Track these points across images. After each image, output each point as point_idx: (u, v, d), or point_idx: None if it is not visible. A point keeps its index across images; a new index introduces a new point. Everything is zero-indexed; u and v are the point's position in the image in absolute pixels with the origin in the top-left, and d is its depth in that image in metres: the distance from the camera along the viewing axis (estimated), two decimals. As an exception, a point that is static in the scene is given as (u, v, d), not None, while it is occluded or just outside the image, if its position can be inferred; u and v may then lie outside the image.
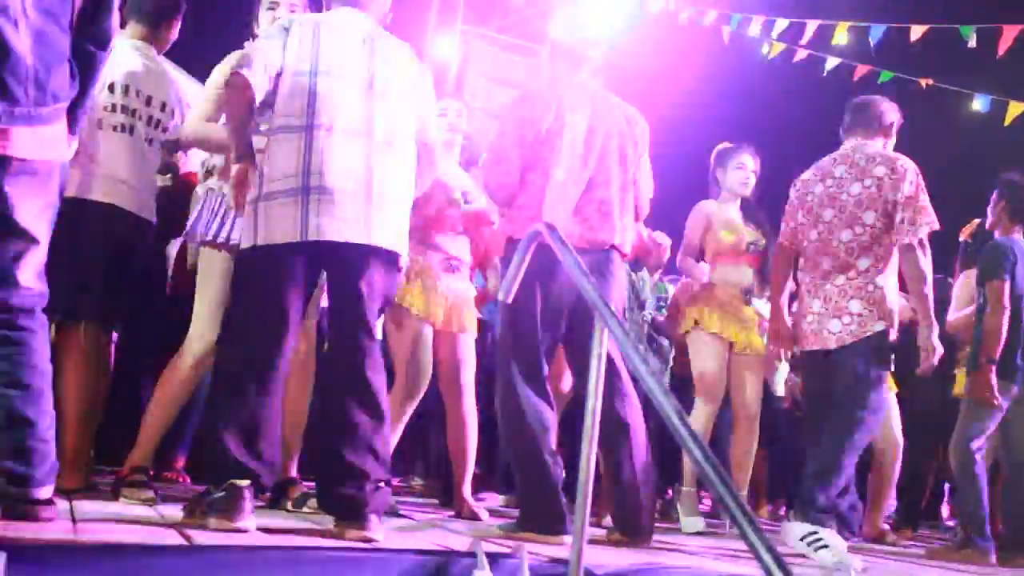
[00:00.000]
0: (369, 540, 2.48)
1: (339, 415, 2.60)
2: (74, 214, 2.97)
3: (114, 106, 3.25)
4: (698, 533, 4.14)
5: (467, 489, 3.82)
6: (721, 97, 10.13)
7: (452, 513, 3.84)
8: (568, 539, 2.95)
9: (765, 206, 4.56)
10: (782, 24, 7.43)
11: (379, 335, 3.41)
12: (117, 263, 3.26)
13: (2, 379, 2.16)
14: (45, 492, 2.22)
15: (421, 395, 3.78)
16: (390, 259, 2.73)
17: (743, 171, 4.51)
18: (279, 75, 2.68)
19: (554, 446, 3.17)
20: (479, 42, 10.43)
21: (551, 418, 3.17)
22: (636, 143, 3.42)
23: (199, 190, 3.40)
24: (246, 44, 3.44)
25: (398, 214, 2.74)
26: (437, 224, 3.79)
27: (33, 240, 2.17)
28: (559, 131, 3.27)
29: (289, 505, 3.29)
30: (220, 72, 3.25)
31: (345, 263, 2.68)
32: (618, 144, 3.36)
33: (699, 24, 7.90)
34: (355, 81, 2.72)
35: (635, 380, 3.20)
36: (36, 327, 2.22)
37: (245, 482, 2.49)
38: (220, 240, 3.15)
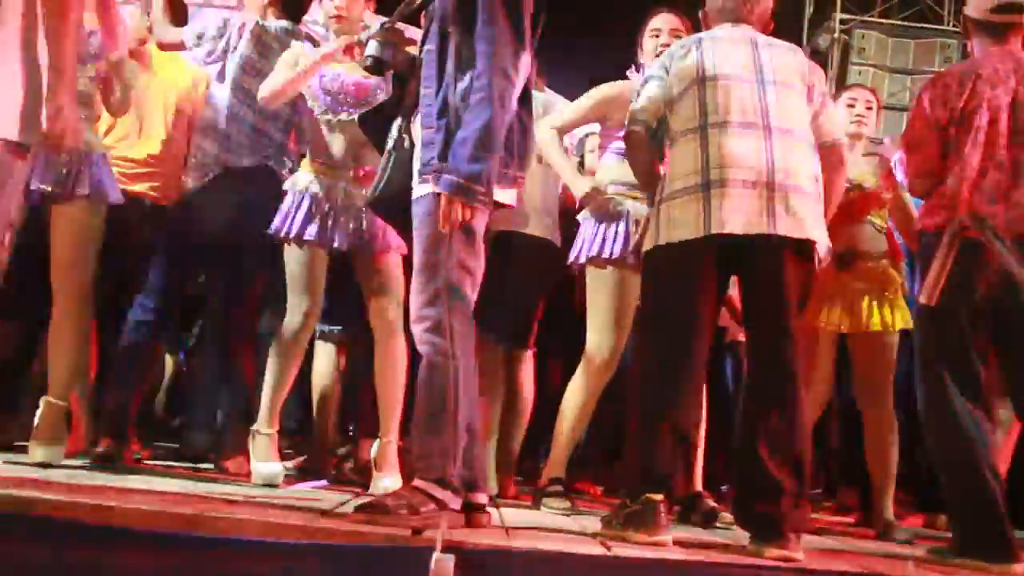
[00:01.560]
0: (790, 560, 2.37)
1: (759, 423, 2.52)
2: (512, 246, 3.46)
3: None
4: None
5: (889, 505, 3.53)
6: None
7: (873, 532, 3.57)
8: (1019, 568, 2.61)
9: None
10: None
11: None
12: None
13: None
14: (482, 497, 2.40)
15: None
16: (801, 248, 2.60)
17: None
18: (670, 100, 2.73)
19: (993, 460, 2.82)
20: (861, 31, 9.82)
21: (989, 429, 2.83)
22: None
23: None
24: (629, 73, 3.50)
25: (805, 201, 2.60)
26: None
27: None
28: (977, 110, 2.92)
29: (697, 519, 3.27)
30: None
31: (754, 256, 2.61)
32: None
33: None
34: (743, 75, 2.68)
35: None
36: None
37: (660, 496, 2.49)
38: (604, 256, 3.24)
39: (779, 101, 2.66)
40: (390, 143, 2.47)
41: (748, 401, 2.61)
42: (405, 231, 2.47)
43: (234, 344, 3.47)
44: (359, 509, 2.16)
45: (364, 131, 2.73)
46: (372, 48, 2.34)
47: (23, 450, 2.99)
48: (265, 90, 3.19)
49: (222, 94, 3.50)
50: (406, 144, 2.34)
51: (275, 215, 3.17)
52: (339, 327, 3.66)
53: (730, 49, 2.72)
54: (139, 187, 3.54)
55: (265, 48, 3.45)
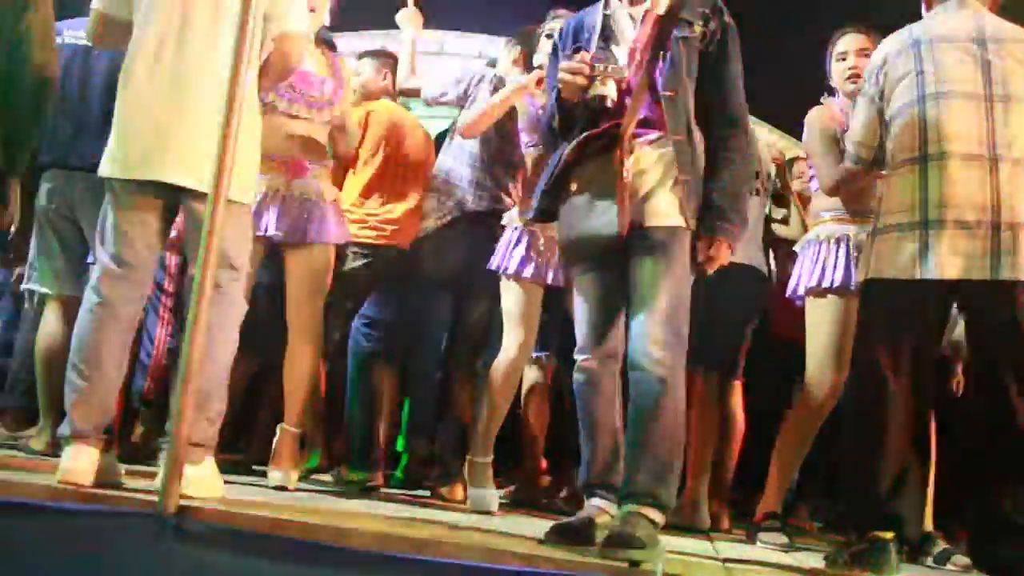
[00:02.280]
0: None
1: (997, 465, 2.36)
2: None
3: None
4: None
5: None
6: None
7: None
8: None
9: None
10: None
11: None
12: None
13: None
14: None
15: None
16: None
17: None
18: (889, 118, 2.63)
19: None
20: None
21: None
22: None
23: None
24: (823, 99, 3.39)
25: None
26: None
27: None
28: None
29: (930, 560, 3.08)
30: None
31: (978, 300, 2.45)
32: None
33: None
34: (967, 90, 2.52)
35: None
36: None
37: (889, 534, 2.36)
38: (824, 285, 3.14)
39: (1008, 122, 2.48)
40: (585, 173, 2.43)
41: (981, 438, 2.45)
42: None
43: (453, 376, 3.61)
44: (612, 542, 2.09)
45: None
46: (612, 90, 2.34)
47: (257, 473, 3.22)
48: (463, 121, 3.32)
49: (462, 143, 3.66)
50: (628, 177, 2.34)
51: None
52: (545, 353, 3.73)
53: (951, 53, 2.56)
54: (388, 240, 3.71)
55: None
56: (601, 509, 2.36)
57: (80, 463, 2.29)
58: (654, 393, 2.24)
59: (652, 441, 2.24)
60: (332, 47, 3.45)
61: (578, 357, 2.45)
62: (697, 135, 2.39)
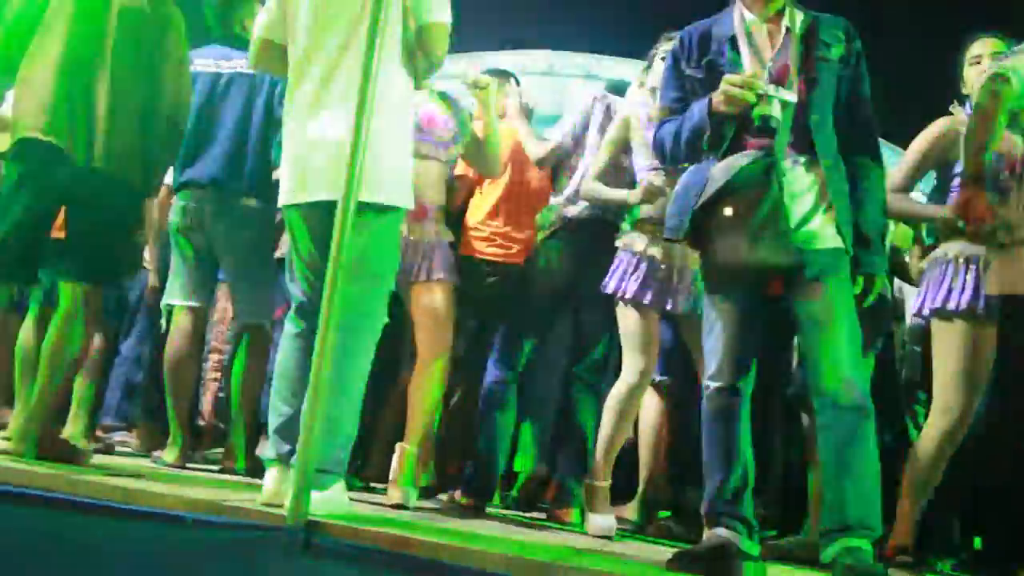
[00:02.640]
0: None
1: None
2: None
3: None
4: None
5: None
6: None
7: None
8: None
9: None
10: None
11: None
12: None
13: None
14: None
15: None
16: None
17: None
18: None
19: None
20: None
21: None
22: None
23: None
24: (952, 108, 3.27)
25: None
26: None
27: None
28: None
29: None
30: None
31: None
32: None
33: None
34: None
35: None
36: None
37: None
38: (951, 308, 2.99)
39: None
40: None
41: None
42: None
43: (574, 398, 3.57)
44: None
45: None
46: (778, 111, 2.26)
47: (373, 491, 3.26)
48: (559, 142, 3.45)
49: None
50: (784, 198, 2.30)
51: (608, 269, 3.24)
52: (665, 377, 3.67)
53: None
54: (514, 258, 3.75)
55: None
56: (726, 538, 2.29)
57: (283, 485, 2.38)
58: (854, 420, 2.21)
59: (857, 470, 2.20)
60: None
61: (712, 384, 2.38)
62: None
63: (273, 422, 2.55)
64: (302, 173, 2.56)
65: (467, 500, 3.38)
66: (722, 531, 2.30)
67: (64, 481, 2.30)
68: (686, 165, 2.51)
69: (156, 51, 3.05)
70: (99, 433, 4.18)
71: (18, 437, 2.86)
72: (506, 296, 3.65)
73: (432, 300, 3.30)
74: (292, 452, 2.40)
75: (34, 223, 2.92)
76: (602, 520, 3.09)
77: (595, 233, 3.44)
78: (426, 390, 3.26)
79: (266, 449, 2.56)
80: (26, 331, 3.45)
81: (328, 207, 2.36)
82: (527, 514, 3.69)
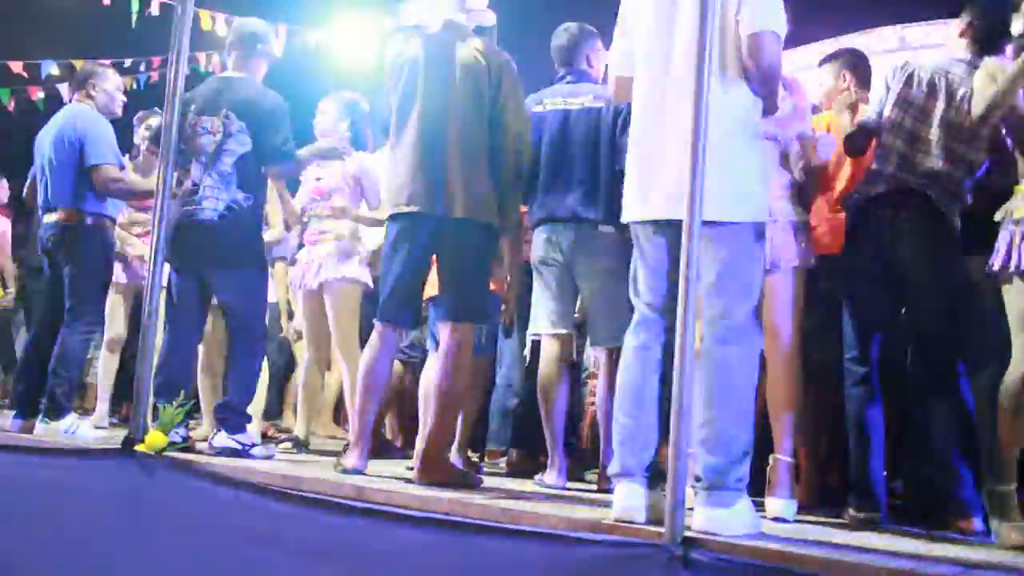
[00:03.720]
0: None
1: None
2: None
3: None
4: None
5: None
6: None
7: None
8: None
9: None
10: None
11: None
12: None
13: None
14: None
15: None
16: None
17: None
18: None
19: None
20: None
21: None
22: None
23: None
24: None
25: None
26: None
27: None
28: None
29: None
30: None
31: None
32: None
33: None
34: None
35: None
36: None
37: None
38: None
39: None
40: None
41: None
42: None
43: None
44: None
45: None
46: None
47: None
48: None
49: None
50: None
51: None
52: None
53: None
54: None
55: None
56: None
57: (632, 501, 2.43)
58: None
59: None
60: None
61: None
62: None
63: (616, 437, 2.56)
64: (648, 191, 2.61)
65: (857, 513, 3.14)
66: None
67: (459, 505, 2.49)
68: None
69: (495, 99, 3.28)
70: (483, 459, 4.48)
71: (421, 466, 3.16)
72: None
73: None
74: (640, 466, 2.45)
75: (412, 274, 3.33)
76: (1010, 528, 2.74)
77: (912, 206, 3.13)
78: (792, 398, 3.12)
79: (613, 465, 2.57)
80: (426, 371, 3.82)
81: (672, 224, 2.43)
82: (917, 528, 3.35)
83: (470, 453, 4.15)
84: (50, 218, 4.29)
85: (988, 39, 3.18)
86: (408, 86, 3.36)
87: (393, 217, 3.37)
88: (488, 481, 3.34)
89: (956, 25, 3.29)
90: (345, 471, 3.25)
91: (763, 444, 3.06)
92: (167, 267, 3.74)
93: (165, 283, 3.79)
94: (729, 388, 2.43)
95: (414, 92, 3.34)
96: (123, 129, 4.68)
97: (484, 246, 3.33)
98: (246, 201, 3.81)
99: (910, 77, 3.24)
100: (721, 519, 2.33)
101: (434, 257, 3.39)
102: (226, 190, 3.77)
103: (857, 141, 3.30)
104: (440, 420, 3.22)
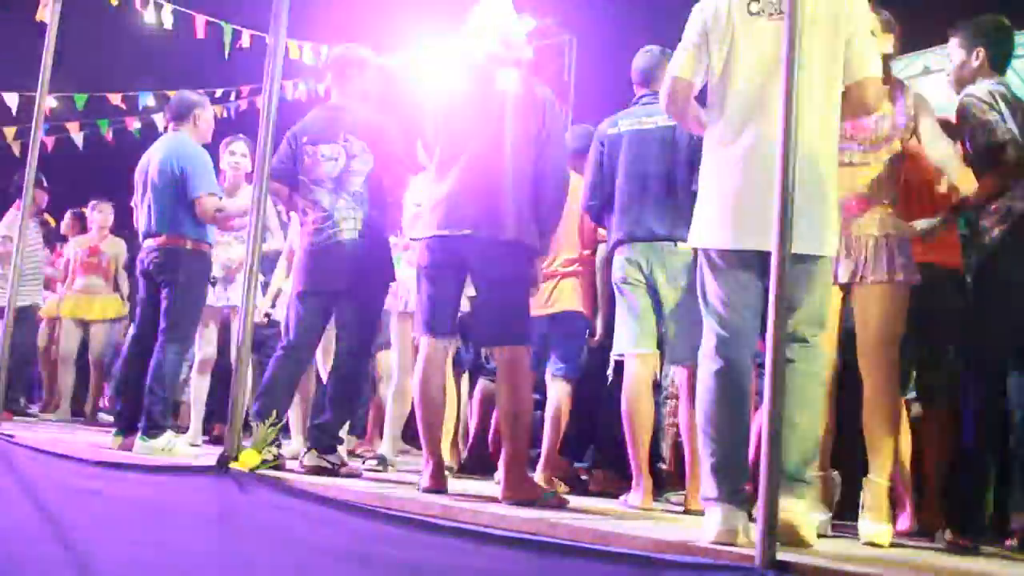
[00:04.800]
0: None
1: None
2: None
3: None
4: None
5: None
6: None
7: None
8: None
9: None
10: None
11: None
12: None
13: None
14: None
15: None
16: None
17: None
18: None
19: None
20: None
21: None
22: None
23: None
24: None
25: None
26: None
27: None
28: None
29: None
30: None
31: None
32: None
33: None
34: None
35: None
36: None
37: None
38: None
39: None
40: None
41: None
42: None
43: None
44: None
45: None
46: None
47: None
48: None
49: None
50: None
51: None
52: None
53: None
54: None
55: None
56: None
57: (729, 525, 2.43)
58: None
59: None
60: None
61: None
62: None
63: (706, 463, 2.56)
64: (733, 218, 2.62)
65: (958, 538, 3.01)
66: None
67: (547, 525, 2.50)
68: None
69: (540, 130, 3.35)
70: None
71: (506, 486, 3.19)
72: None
73: (882, 304, 3.09)
74: (733, 491, 2.48)
75: (455, 294, 3.44)
76: None
77: None
78: (881, 414, 3.04)
79: (707, 488, 2.55)
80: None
81: (758, 254, 2.52)
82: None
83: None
84: (152, 242, 4.46)
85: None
86: (454, 115, 3.44)
87: (438, 238, 3.37)
88: (572, 501, 3.34)
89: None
90: (425, 491, 3.28)
91: (857, 465, 3.02)
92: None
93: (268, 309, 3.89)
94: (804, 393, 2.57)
95: (461, 121, 3.41)
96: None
97: (523, 268, 3.38)
98: (379, 219, 3.97)
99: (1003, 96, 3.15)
100: (789, 507, 2.42)
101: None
102: (360, 209, 3.91)
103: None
104: (513, 440, 3.25)
